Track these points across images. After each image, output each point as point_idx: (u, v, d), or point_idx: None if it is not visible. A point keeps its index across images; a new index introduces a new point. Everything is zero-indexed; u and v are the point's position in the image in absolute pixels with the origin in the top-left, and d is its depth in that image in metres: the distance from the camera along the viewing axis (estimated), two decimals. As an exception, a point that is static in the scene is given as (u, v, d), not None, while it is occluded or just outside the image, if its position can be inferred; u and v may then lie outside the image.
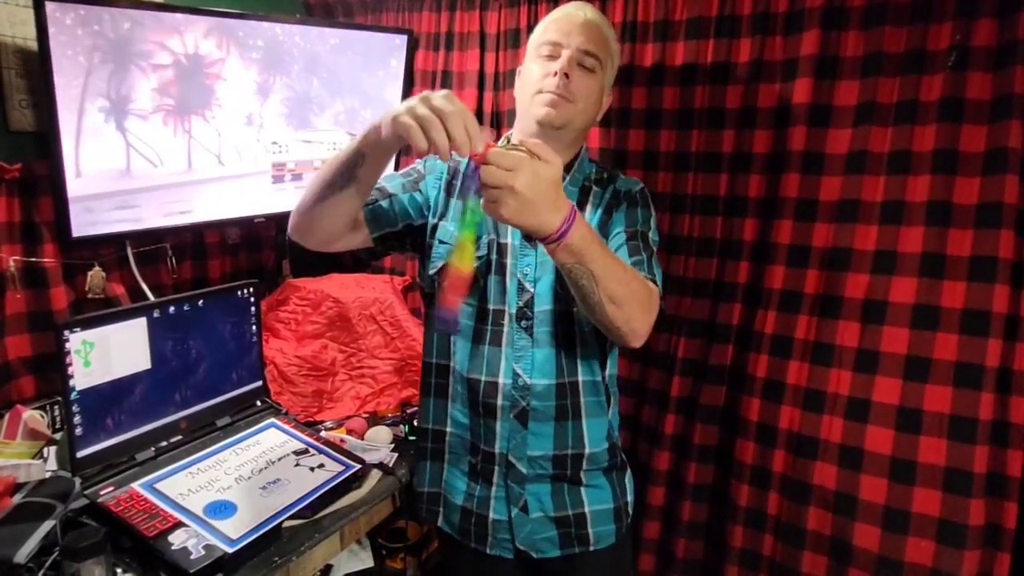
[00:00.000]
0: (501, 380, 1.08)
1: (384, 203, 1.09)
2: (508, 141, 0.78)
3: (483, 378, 1.09)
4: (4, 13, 1.25)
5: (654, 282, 1.00)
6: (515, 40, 1.60)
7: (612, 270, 0.88)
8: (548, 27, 1.09)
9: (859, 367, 1.30)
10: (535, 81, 1.07)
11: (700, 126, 1.42)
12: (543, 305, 1.08)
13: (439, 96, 0.78)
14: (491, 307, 1.10)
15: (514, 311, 1.08)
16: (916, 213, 1.23)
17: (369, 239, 1.09)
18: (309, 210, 1.00)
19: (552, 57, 1.06)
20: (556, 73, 1.04)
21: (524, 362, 1.08)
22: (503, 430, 1.09)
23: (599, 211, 1.11)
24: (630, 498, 1.19)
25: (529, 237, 1.02)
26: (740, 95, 1.37)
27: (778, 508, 1.40)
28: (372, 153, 0.90)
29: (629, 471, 1.20)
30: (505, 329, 1.09)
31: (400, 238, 1.12)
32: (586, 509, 1.11)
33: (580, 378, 1.10)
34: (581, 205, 1.12)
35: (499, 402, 1.09)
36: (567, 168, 1.12)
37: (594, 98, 1.08)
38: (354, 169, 0.93)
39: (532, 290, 1.08)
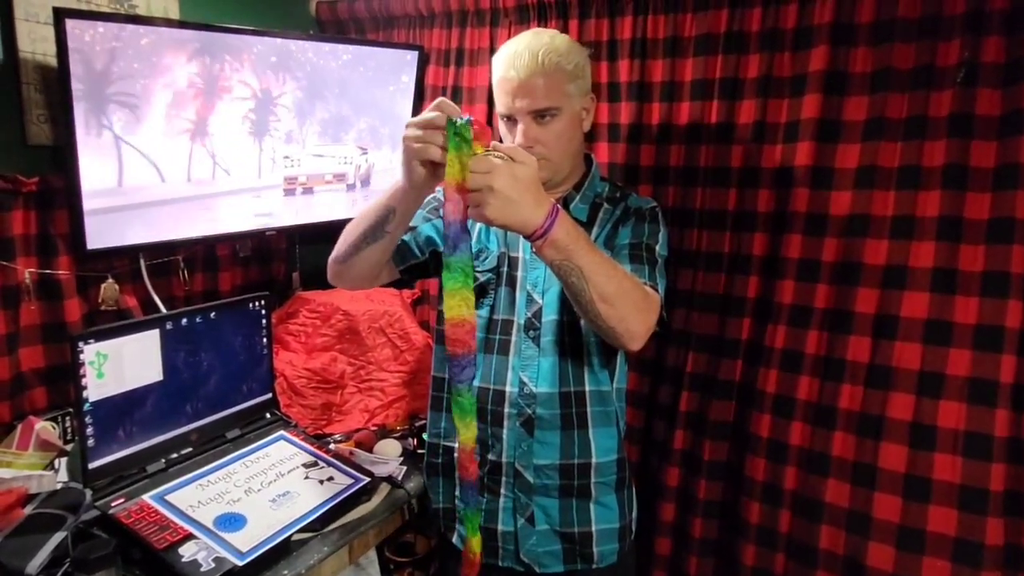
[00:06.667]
0: (508, 388, 1.10)
1: (407, 237, 1.14)
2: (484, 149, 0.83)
3: (491, 387, 1.11)
4: (24, 30, 1.27)
5: (654, 289, 1.00)
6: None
7: (601, 267, 0.89)
8: (497, 93, 1.09)
9: (871, 383, 1.28)
10: None
11: (709, 142, 1.42)
12: (551, 315, 1.09)
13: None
14: (500, 317, 1.11)
15: (522, 321, 1.10)
16: (927, 228, 1.22)
17: (396, 272, 1.14)
18: (344, 261, 1.06)
19: (512, 122, 1.08)
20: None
21: (530, 371, 1.09)
22: (510, 438, 1.10)
23: (607, 226, 1.13)
24: (634, 515, 1.19)
25: None
26: (749, 111, 1.37)
27: (790, 526, 1.38)
28: (400, 206, 0.96)
29: (634, 489, 1.20)
30: (513, 339, 1.10)
31: (424, 266, 1.16)
32: (593, 528, 1.11)
33: (587, 388, 1.10)
34: (591, 221, 1.13)
35: (506, 410, 1.10)
36: (577, 187, 1.14)
37: (567, 134, 1.09)
38: (384, 224, 0.99)
39: (540, 301, 1.09)
